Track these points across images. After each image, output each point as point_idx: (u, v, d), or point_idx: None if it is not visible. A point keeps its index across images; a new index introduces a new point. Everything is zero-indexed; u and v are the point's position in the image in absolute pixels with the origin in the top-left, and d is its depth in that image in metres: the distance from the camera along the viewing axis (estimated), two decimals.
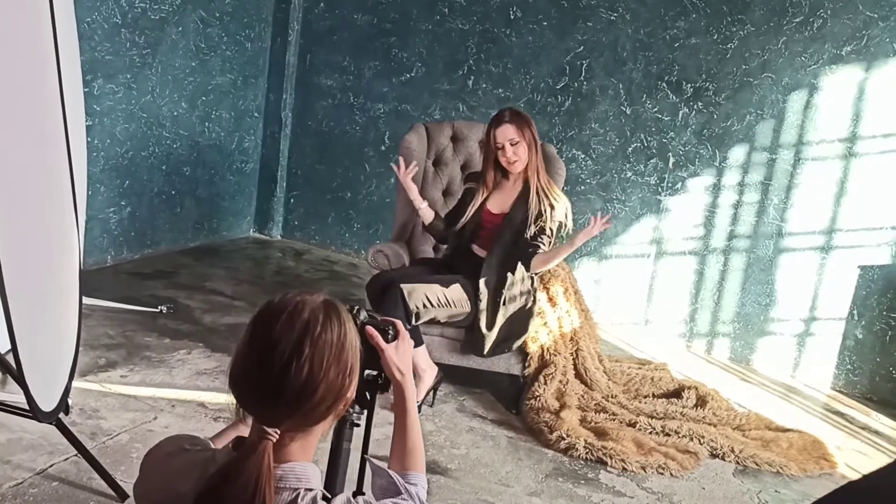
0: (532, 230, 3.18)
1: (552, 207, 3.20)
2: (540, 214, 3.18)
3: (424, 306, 3.06)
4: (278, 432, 1.07)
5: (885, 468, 0.63)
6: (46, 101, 2.27)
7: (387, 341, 1.35)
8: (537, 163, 3.23)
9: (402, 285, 3.05)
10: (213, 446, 1.27)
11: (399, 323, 1.39)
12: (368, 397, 1.42)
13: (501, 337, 3.20)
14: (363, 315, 1.36)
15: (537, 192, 3.21)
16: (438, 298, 3.10)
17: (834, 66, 4.00)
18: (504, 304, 3.16)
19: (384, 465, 1.34)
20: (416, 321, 3.07)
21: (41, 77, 2.23)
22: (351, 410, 1.39)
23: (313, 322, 1.09)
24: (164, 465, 1.19)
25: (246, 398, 1.11)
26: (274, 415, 1.08)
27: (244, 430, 1.33)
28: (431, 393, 3.22)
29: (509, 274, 3.15)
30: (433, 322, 3.16)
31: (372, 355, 1.34)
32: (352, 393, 1.16)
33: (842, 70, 3.99)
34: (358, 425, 1.41)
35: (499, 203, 3.31)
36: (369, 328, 1.34)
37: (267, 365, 1.07)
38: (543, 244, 3.17)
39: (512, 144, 3.18)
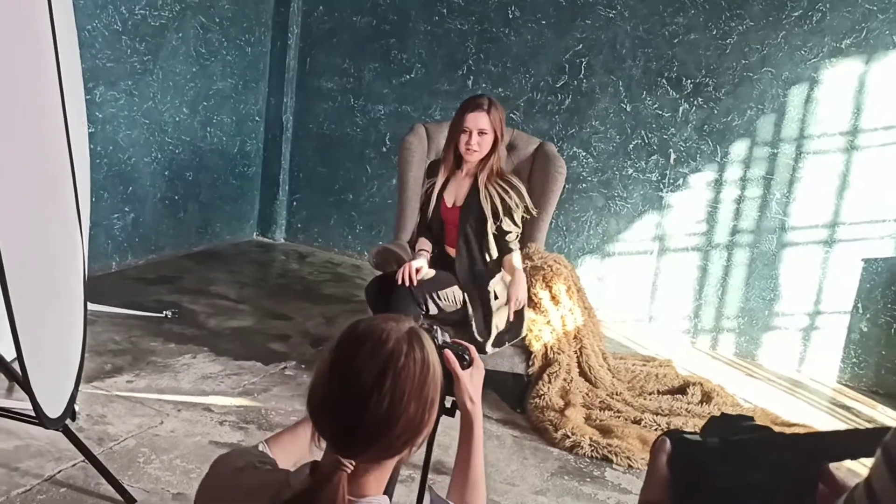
0: (494, 227, 3.16)
1: (505, 200, 3.15)
2: (499, 208, 3.14)
3: (437, 299, 3.06)
4: (353, 464, 1.05)
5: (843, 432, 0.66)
6: (48, 110, 2.28)
7: (462, 367, 1.32)
8: (495, 158, 3.15)
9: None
10: (276, 461, 1.26)
11: (473, 349, 1.37)
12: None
13: (501, 334, 3.20)
14: (440, 338, 1.33)
15: (486, 186, 3.15)
16: (447, 295, 3.11)
17: (834, 59, 3.99)
18: (496, 298, 3.15)
19: (442, 493, 1.32)
20: (428, 312, 3.07)
21: (42, 86, 2.25)
22: None
23: (397, 353, 1.06)
24: (233, 481, 1.17)
25: (323, 425, 1.08)
26: (350, 444, 1.05)
27: (303, 437, 1.35)
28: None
29: (500, 275, 3.16)
30: (430, 317, 3.16)
31: (446, 380, 1.29)
32: (430, 426, 1.12)
33: (842, 63, 3.98)
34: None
35: (452, 195, 3.28)
36: (448, 353, 1.31)
37: (347, 394, 1.05)
38: (512, 242, 3.18)
39: (480, 134, 3.12)
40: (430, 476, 2.73)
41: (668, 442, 0.76)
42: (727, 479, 0.70)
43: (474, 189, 3.19)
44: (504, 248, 3.21)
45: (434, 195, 3.27)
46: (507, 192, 3.15)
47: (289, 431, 1.41)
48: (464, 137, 3.14)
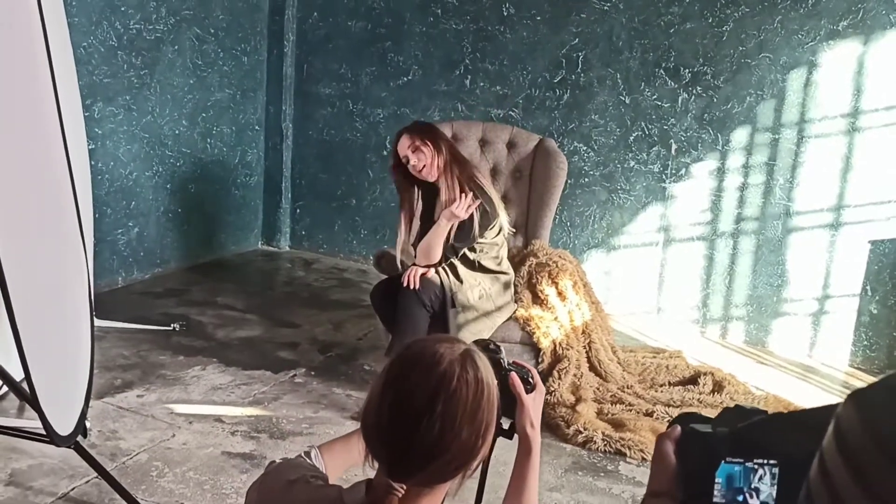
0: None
1: (482, 210, 3.09)
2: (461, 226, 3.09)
3: (444, 298, 3.06)
4: (405, 487, 1.04)
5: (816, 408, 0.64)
6: (46, 128, 2.28)
7: (527, 391, 1.30)
8: (448, 164, 3.10)
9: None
10: (328, 475, 1.25)
11: (535, 371, 1.35)
12: (490, 445, 1.36)
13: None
14: (506, 360, 1.31)
15: (444, 191, 3.09)
16: (465, 296, 3.10)
17: (831, 41, 3.97)
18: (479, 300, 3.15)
19: None
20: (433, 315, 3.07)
21: (39, 105, 2.25)
22: None
23: (449, 376, 1.03)
24: (286, 493, 1.17)
25: (375, 447, 1.07)
26: (402, 469, 1.05)
27: (355, 448, 1.35)
28: None
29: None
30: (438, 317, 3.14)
31: (508, 402, 1.28)
32: (485, 452, 1.10)
33: (840, 45, 3.97)
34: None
35: (438, 211, 3.19)
36: (514, 377, 1.29)
37: (398, 417, 1.04)
38: (458, 251, 3.13)
39: (413, 151, 3.08)
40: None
41: (677, 430, 0.75)
42: (741, 457, 0.69)
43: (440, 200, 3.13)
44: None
45: (414, 228, 3.23)
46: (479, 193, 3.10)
47: (342, 440, 1.40)
48: (410, 168, 3.11)
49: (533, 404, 1.30)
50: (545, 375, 3.31)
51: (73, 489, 2.46)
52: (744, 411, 0.73)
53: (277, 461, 1.29)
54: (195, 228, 5.10)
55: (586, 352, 3.44)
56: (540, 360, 3.32)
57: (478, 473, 1.30)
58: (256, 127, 5.48)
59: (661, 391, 3.44)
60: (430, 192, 3.18)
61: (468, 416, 1.03)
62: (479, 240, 3.12)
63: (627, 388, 3.42)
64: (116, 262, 4.55)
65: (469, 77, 4.90)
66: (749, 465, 0.70)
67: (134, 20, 4.35)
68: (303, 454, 1.36)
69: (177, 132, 4.80)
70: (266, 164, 5.59)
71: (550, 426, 3.13)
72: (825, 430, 0.60)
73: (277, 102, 5.46)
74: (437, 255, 3.09)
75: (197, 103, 4.91)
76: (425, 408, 1.01)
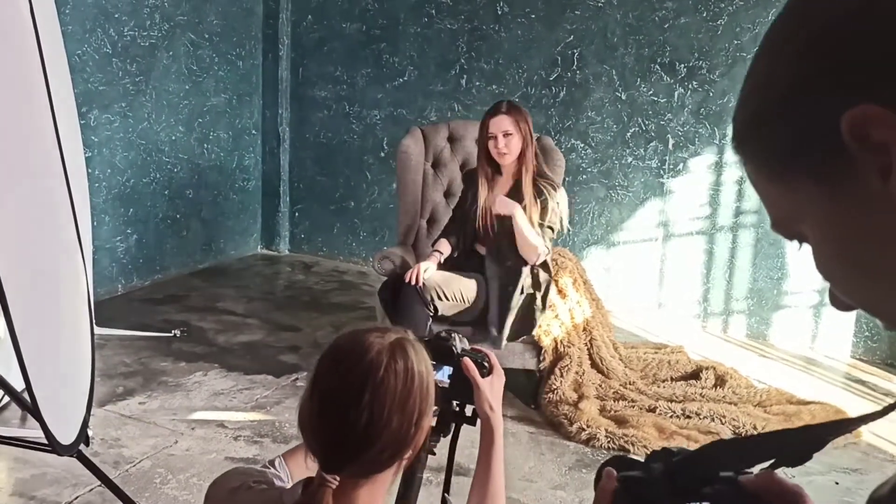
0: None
1: (543, 203, 3.11)
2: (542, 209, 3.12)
3: (439, 298, 3.06)
4: (338, 479, 1.03)
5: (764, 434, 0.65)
6: (42, 137, 2.28)
7: (482, 375, 1.30)
8: (530, 158, 3.16)
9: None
10: (278, 479, 1.25)
11: (493, 355, 1.34)
12: (453, 429, 1.36)
13: (514, 329, 3.19)
14: (459, 346, 1.31)
15: (527, 187, 3.12)
16: (454, 293, 3.10)
17: None
18: (520, 293, 3.15)
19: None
20: (437, 313, 3.07)
21: (35, 114, 2.25)
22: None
23: (376, 366, 1.03)
24: (228, 502, 1.17)
25: (309, 440, 1.08)
26: (333, 461, 1.05)
27: None
28: None
29: (523, 268, 3.14)
30: (439, 318, 3.15)
31: (464, 387, 1.29)
32: (420, 440, 1.10)
33: None
34: (434, 453, 1.34)
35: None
36: (467, 361, 1.29)
37: (326, 409, 1.05)
38: (546, 235, 3.14)
39: (505, 136, 3.12)
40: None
41: (612, 475, 0.74)
42: (677, 500, 0.68)
43: (514, 191, 3.17)
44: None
45: (480, 201, 3.23)
46: (543, 203, 3.12)
47: (304, 445, 1.40)
48: (492, 143, 3.16)
49: (490, 387, 1.30)
50: (547, 373, 3.31)
51: (76, 498, 2.45)
52: (671, 453, 0.72)
53: (226, 471, 1.29)
54: (194, 234, 5.09)
55: (588, 349, 3.44)
56: (542, 358, 3.32)
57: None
58: (253, 131, 5.47)
59: (664, 387, 3.44)
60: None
61: (398, 405, 1.03)
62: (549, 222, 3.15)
63: (630, 384, 3.41)
64: (116, 270, 4.54)
65: (465, 77, 4.89)
66: None
67: (128, 27, 4.35)
68: (267, 463, 1.36)
69: (173, 138, 4.80)
70: (264, 168, 5.59)
71: (553, 424, 3.13)
72: (757, 456, 0.61)
73: (273, 106, 5.46)
74: (538, 242, 3.08)
75: (193, 109, 4.91)
76: (353, 399, 1.02)
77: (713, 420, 3.13)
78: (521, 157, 3.17)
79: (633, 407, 3.23)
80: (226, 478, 1.20)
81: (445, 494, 1.39)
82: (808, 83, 0.46)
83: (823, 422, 0.56)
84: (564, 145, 4.56)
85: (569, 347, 3.34)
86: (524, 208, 3.08)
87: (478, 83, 4.86)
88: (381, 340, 1.06)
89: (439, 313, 3.10)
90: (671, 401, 3.28)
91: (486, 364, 1.31)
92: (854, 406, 3.42)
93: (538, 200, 3.12)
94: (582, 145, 4.62)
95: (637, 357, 3.68)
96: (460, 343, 1.32)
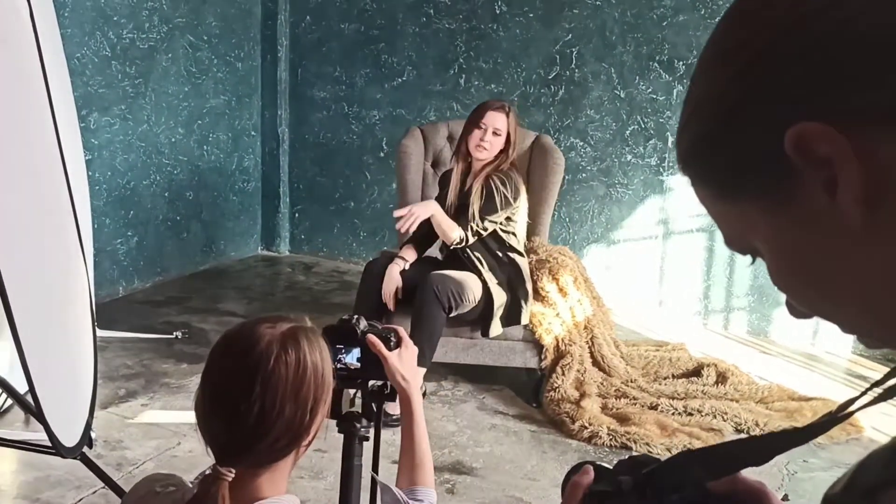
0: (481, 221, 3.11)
1: (495, 190, 3.09)
2: (485, 197, 3.09)
3: (460, 300, 3.04)
4: (233, 471, 1.03)
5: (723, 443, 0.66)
6: (42, 140, 2.28)
7: (389, 349, 1.33)
8: (503, 159, 3.13)
9: (433, 273, 3.05)
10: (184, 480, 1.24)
11: (401, 329, 1.37)
12: (375, 409, 1.40)
13: (502, 318, 3.18)
14: (363, 325, 1.35)
15: (482, 180, 3.11)
16: (468, 295, 3.08)
17: None
18: (496, 282, 3.14)
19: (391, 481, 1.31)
20: (451, 313, 3.06)
21: (35, 117, 2.25)
22: (358, 425, 1.37)
23: (266, 357, 1.03)
24: None
25: (203, 433, 1.08)
26: (228, 453, 1.04)
27: None
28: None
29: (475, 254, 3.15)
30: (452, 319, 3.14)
31: (376, 364, 1.32)
32: (318, 426, 1.10)
33: None
34: (367, 439, 1.38)
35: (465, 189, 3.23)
36: (370, 337, 1.33)
37: (217, 403, 1.05)
38: (476, 229, 3.10)
39: (494, 133, 3.11)
40: (450, 476, 2.73)
41: (590, 473, 0.74)
42: None
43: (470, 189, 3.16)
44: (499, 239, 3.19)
45: (451, 195, 3.22)
46: (500, 184, 3.10)
47: None
48: (477, 133, 3.12)
49: (399, 359, 1.32)
50: (549, 372, 3.31)
51: (80, 500, 2.46)
52: (639, 461, 0.73)
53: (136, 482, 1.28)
54: (194, 236, 5.10)
55: (589, 347, 3.44)
56: (543, 356, 3.32)
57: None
58: (252, 132, 5.48)
59: (665, 384, 3.44)
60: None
61: (290, 394, 1.03)
62: (496, 219, 3.13)
63: (631, 382, 3.42)
64: (117, 272, 4.55)
65: (463, 76, 4.90)
66: None
67: (127, 29, 4.35)
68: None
69: (173, 140, 4.80)
70: (263, 170, 5.59)
71: (556, 422, 3.14)
72: (726, 465, 0.62)
73: (273, 107, 5.46)
74: (452, 231, 3.07)
75: (192, 111, 4.91)
76: (243, 391, 1.02)
77: (715, 417, 3.14)
78: (496, 158, 3.14)
79: (635, 405, 3.24)
80: (135, 489, 1.19)
81: (373, 474, 1.39)
82: (749, 102, 0.46)
83: (783, 430, 0.56)
84: (563, 144, 4.56)
85: (570, 346, 3.34)
86: (471, 200, 3.07)
87: (476, 82, 4.86)
88: (272, 331, 1.06)
89: (455, 314, 3.09)
90: (673, 398, 3.29)
91: (391, 337, 1.34)
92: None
93: (490, 190, 3.08)
94: (581, 144, 4.63)
95: (638, 355, 3.69)
96: (364, 323, 1.35)
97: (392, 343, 1.34)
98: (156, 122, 4.65)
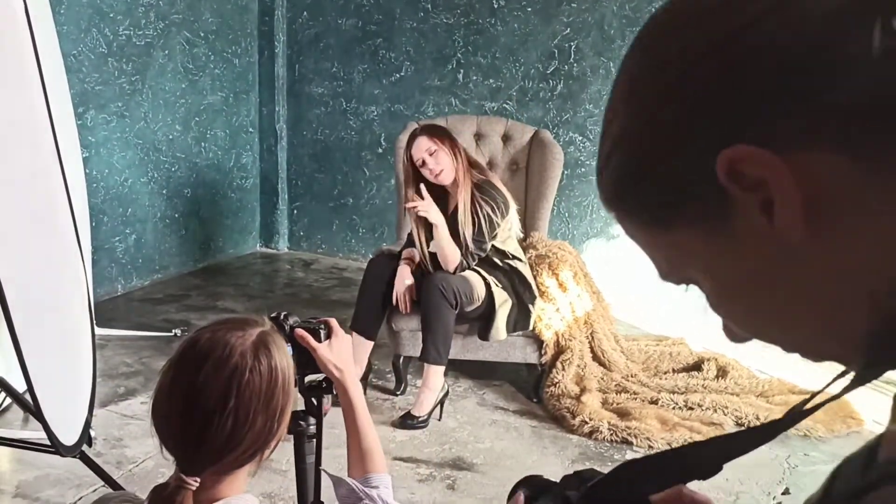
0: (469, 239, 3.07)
1: (484, 220, 3.04)
2: (473, 229, 3.04)
3: (466, 299, 3.03)
4: (198, 481, 1.01)
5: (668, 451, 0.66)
6: (38, 138, 2.27)
7: (318, 340, 1.32)
8: (462, 174, 3.05)
9: (437, 273, 3.04)
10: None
11: (332, 320, 1.36)
12: (316, 403, 1.39)
13: (509, 323, 3.18)
14: (291, 320, 1.34)
15: (464, 206, 3.03)
16: (472, 294, 3.07)
17: None
18: (499, 287, 3.13)
19: (343, 473, 1.31)
20: (458, 310, 3.05)
21: (32, 115, 2.24)
22: (303, 423, 1.38)
23: (241, 369, 1.01)
24: None
25: (166, 440, 1.05)
26: (194, 464, 1.02)
27: None
28: (439, 407, 3.12)
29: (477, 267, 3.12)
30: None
31: (308, 358, 1.32)
32: (282, 433, 1.09)
33: None
34: (314, 436, 1.38)
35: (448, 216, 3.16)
36: (298, 331, 1.32)
37: (188, 414, 1.02)
38: (474, 256, 3.08)
39: (430, 154, 3.03)
40: (450, 472, 2.72)
41: (521, 498, 0.74)
42: None
43: (456, 211, 3.09)
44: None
45: (415, 234, 3.17)
46: (486, 207, 3.04)
47: None
48: (424, 170, 3.06)
49: (330, 349, 1.31)
50: (549, 367, 3.31)
51: (80, 499, 2.45)
52: (584, 477, 0.72)
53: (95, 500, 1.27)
54: (193, 233, 5.08)
55: (589, 342, 3.44)
56: (543, 352, 3.32)
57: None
58: (250, 129, 5.46)
59: (666, 378, 3.44)
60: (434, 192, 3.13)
61: (262, 405, 1.02)
62: (491, 242, 3.10)
63: (631, 376, 3.41)
64: (115, 270, 4.54)
65: (462, 71, 4.88)
66: None
67: (123, 26, 4.34)
68: None
69: (170, 137, 4.79)
70: (261, 166, 5.58)
71: (556, 417, 3.13)
72: (672, 473, 0.61)
73: (270, 104, 5.45)
74: (455, 257, 3.05)
75: (189, 107, 4.90)
76: (217, 406, 1.00)
77: (715, 411, 3.13)
78: (455, 173, 3.07)
79: (636, 399, 3.23)
80: None
81: (323, 469, 1.39)
82: (675, 131, 0.45)
83: (731, 433, 0.56)
84: (563, 138, 4.55)
85: (570, 341, 3.34)
86: (459, 225, 3.03)
87: (475, 77, 4.85)
88: (242, 340, 1.04)
89: (462, 310, 3.07)
90: (673, 392, 3.28)
91: (321, 328, 1.33)
92: (855, 396, 3.41)
93: (480, 214, 3.04)
94: (580, 138, 4.61)
95: (638, 349, 3.68)
96: (292, 319, 1.34)
97: (322, 334, 1.33)
98: (153, 119, 4.64)
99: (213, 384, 1.01)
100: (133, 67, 4.44)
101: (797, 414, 0.51)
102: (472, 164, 3.16)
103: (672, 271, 0.53)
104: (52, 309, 2.30)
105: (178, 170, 4.88)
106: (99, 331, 3.32)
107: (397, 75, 5.09)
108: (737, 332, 0.53)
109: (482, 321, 3.16)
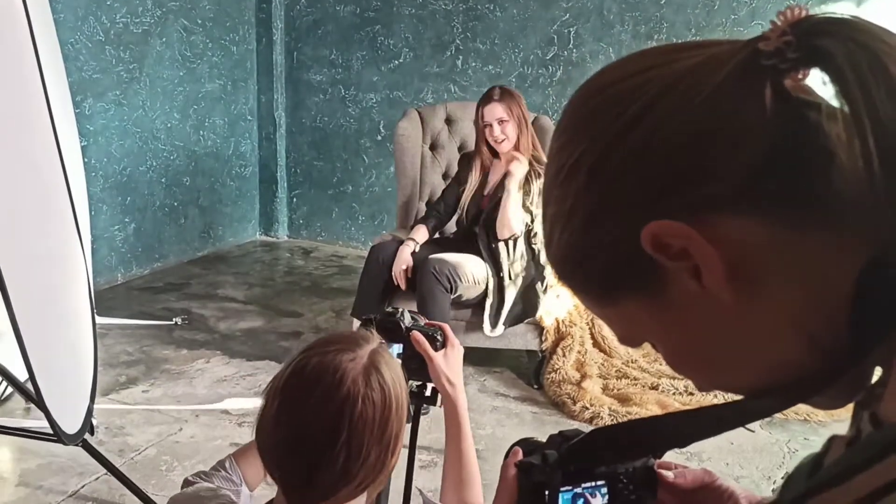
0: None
1: (528, 189, 3.11)
2: (526, 194, 3.11)
3: (459, 280, 3.04)
4: None
5: (637, 420, 0.69)
6: (37, 127, 2.27)
7: (435, 349, 1.22)
8: (525, 144, 3.16)
9: (431, 257, 3.06)
10: (230, 482, 1.18)
11: (447, 327, 1.26)
12: (412, 412, 1.29)
13: (514, 313, 3.19)
14: (408, 319, 1.24)
15: (521, 176, 3.10)
16: (467, 275, 3.08)
17: (824, 5, 3.94)
18: (510, 278, 3.14)
19: (434, 498, 1.25)
20: (453, 293, 3.06)
21: (29, 104, 2.23)
22: None
23: (353, 398, 0.93)
24: None
25: (272, 470, 0.99)
26: (305, 499, 0.96)
27: None
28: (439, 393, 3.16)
29: (501, 246, 3.12)
30: (456, 301, 3.13)
31: (419, 364, 1.21)
32: (396, 462, 1.01)
33: (833, 8, 3.93)
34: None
35: (492, 185, 3.28)
36: (416, 334, 1.22)
37: (296, 447, 0.95)
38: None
39: (500, 123, 3.14)
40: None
41: (518, 454, 0.76)
42: (572, 482, 0.71)
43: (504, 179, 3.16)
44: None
45: (472, 185, 3.28)
46: (536, 178, 3.11)
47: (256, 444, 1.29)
48: (488, 131, 3.17)
49: (445, 360, 1.21)
50: (550, 353, 3.31)
51: (83, 486, 2.46)
52: (567, 436, 0.74)
53: (175, 496, 1.19)
54: (192, 221, 5.08)
55: (589, 328, 3.44)
56: (544, 338, 3.32)
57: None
58: (249, 117, 5.45)
59: (666, 364, 3.44)
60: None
61: (376, 437, 0.95)
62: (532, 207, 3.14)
63: (632, 362, 3.42)
64: (115, 259, 4.54)
65: (461, 57, 4.86)
66: (579, 490, 0.71)
67: (120, 14, 4.31)
68: (217, 465, 1.27)
69: (169, 125, 4.77)
70: (260, 154, 5.57)
71: (557, 404, 3.14)
72: (642, 441, 0.64)
73: (269, 91, 5.43)
74: (517, 221, 3.11)
75: (188, 95, 4.88)
76: (328, 440, 0.92)
77: (717, 395, 3.14)
78: (517, 142, 3.17)
79: (636, 385, 3.24)
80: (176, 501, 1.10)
81: (418, 489, 1.32)
82: (599, 212, 0.48)
83: (698, 408, 0.58)
84: None
85: (570, 327, 3.34)
86: (509, 191, 3.08)
87: (474, 64, 4.83)
88: (353, 364, 0.96)
89: (457, 294, 3.09)
90: (674, 378, 3.29)
91: (438, 336, 1.23)
92: None
93: (528, 185, 3.11)
94: None
95: None
96: (409, 317, 1.25)
97: (438, 343, 1.23)
98: (151, 108, 4.62)
99: (324, 416, 0.93)
100: (130, 55, 4.43)
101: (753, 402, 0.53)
102: (533, 140, 3.23)
103: (627, 338, 0.55)
104: (52, 298, 2.30)
105: (176, 158, 4.87)
106: (100, 319, 3.33)
107: (396, 62, 5.07)
108: (701, 386, 0.56)
109: (493, 308, 3.16)
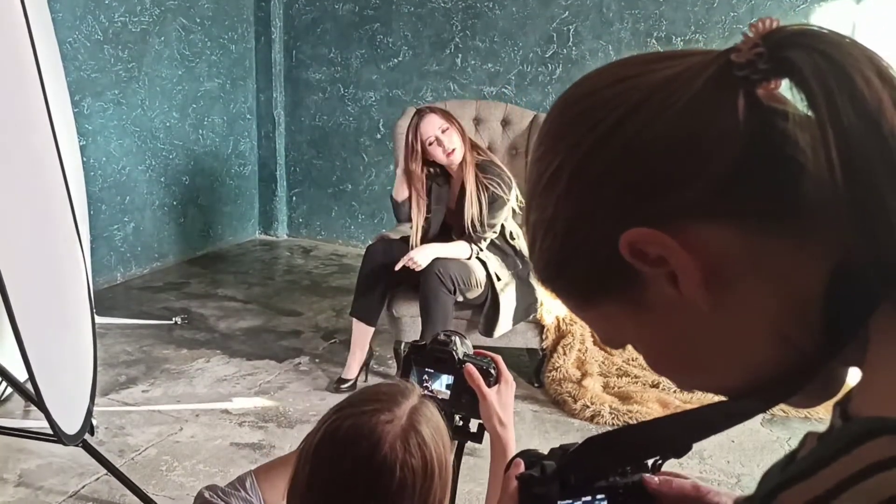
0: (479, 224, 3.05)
1: (490, 200, 3.01)
2: (480, 210, 3.01)
3: (463, 284, 3.02)
4: None
5: (629, 427, 0.72)
6: (36, 128, 2.26)
7: (488, 384, 1.13)
8: (469, 153, 3.04)
9: (435, 259, 3.01)
10: (253, 490, 1.14)
11: (499, 359, 1.18)
12: (455, 448, 1.21)
13: (518, 311, 3.18)
14: (460, 349, 1.15)
15: (471, 187, 3.00)
16: (470, 279, 3.05)
17: (823, 3, 3.94)
18: (498, 279, 3.12)
19: None
20: (457, 296, 3.04)
21: (28, 104, 2.23)
22: None
23: (390, 467, 0.86)
24: None
25: None
26: None
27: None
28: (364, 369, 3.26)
29: (485, 255, 3.09)
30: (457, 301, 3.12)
31: (469, 399, 1.13)
32: None
33: (832, 5, 3.93)
34: None
35: (453, 199, 3.18)
36: (470, 368, 1.13)
37: None
38: (485, 238, 3.07)
39: (443, 132, 2.99)
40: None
41: (520, 466, 0.76)
42: (572, 496, 0.71)
43: (461, 192, 3.08)
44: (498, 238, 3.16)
45: (420, 218, 3.17)
46: (491, 187, 3.02)
47: (282, 463, 1.23)
48: (434, 149, 3.02)
49: (498, 398, 1.13)
50: (550, 352, 3.31)
51: (83, 487, 2.46)
52: (566, 449, 0.74)
53: None
54: (192, 221, 5.07)
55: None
56: (544, 336, 3.32)
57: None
58: (248, 116, 5.44)
59: None
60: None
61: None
62: (492, 222, 3.08)
63: (632, 360, 3.42)
64: (114, 259, 4.53)
65: (460, 56, 4.85)
66: (579, 503, 0.71)
67: (118, 13, 4.30)
68: (237, 483, 1.20)
69: (168, 124, 4.76)
70: (260, 153, 5.56)
71: (557, 402, 3.14)
72: (636, 445, 0.65)
73: (268, 90, 5.42)
74: (465, 255, 3.07)
75: (187, 94, 4.87)
76: None
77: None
78: (465, 149, 3.04)
79: (637, 383, 3.24)
80: None
81: None
82: (578, 220, 0.50)
83: (697, 408, 0.58)
84: None
85: (571, 325, 3.34)
86: (466, 206, 3.00)
87: (473, 62, 4.82)
88: (391, 427, 0.89)
89: (460, 298, 3.07)
90: None
91: (492, 371, 1.14)
92: (856, 373, 3.42)
93: (483, 196, 3.01)
94: None
95: None
96: (462, 346, 1.16)
97: (492, 378, 1.14)
98: (150, 107, 4.62)
99: (359, 485, 0.87)
100: (129, 54, 4.42)
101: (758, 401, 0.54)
102: (473, 146, 3.15)
103: (608, 340, 0.57)
104: (52, 298, 2.29)
105: (175, 157, 4.86)
106: (99, 319, 3.32)
107: (395, 60, 5.06)
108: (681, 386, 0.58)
109: (487, 316, 3.13)
